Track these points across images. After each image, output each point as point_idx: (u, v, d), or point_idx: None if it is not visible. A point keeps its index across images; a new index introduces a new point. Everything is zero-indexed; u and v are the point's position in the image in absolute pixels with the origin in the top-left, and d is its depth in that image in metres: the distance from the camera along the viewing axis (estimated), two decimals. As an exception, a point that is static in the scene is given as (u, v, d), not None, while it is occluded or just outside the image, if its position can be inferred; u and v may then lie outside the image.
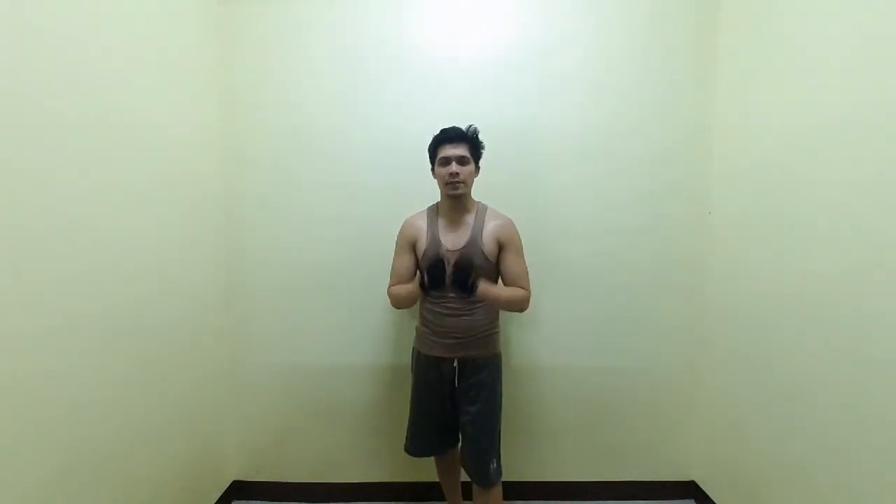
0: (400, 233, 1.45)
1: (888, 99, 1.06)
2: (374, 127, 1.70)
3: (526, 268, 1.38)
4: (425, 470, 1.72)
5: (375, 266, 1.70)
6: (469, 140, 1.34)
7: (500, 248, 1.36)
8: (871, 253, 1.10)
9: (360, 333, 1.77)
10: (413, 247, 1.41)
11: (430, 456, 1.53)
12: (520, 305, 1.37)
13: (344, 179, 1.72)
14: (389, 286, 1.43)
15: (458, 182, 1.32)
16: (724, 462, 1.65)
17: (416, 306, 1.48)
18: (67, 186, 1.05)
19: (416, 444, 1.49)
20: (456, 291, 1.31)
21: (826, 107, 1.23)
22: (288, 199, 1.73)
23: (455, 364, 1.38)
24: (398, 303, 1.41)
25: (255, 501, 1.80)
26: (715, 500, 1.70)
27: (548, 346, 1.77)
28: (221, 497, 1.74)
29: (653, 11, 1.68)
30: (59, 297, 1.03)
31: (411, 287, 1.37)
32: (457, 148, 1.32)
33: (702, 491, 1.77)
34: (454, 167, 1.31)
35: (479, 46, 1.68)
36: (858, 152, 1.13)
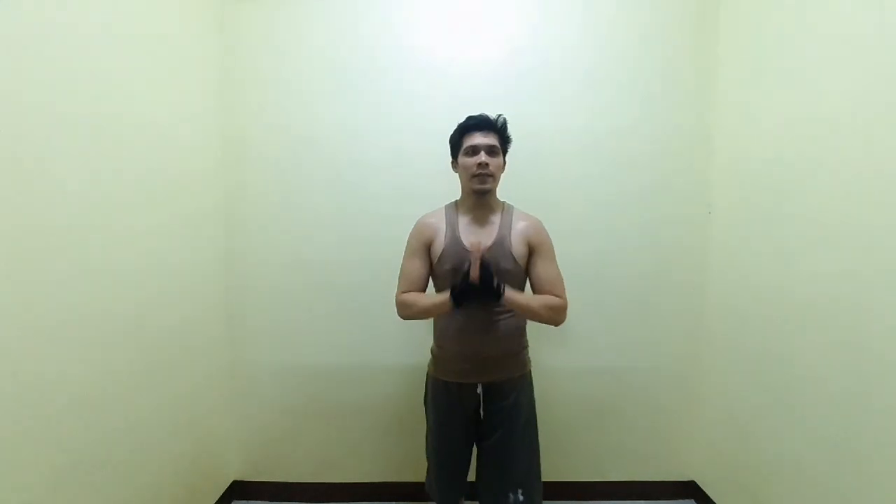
0: (412, 233, 1.26)
1: (888, 98, 1.06)
2: (374, 127, 1.70)
3: (560, 274, 1.22)
4: (426, 470, 1.72)
5: (375, 266, 1.70)
6: (498, 130, 1.20)
7: (531, 251, 1.20)
8: (871, 251, 1.10)
9: (360, 334, 1.76)
10: (427, 249, 1.22)
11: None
12: (556, 315, 1.17)
13: (344, 180, 1.72)
14: (399, 292, 1.22)
15: (487, 174, 1.16)
16: (724, 462, 1.65)
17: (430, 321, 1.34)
18: (67, 187, 1.05)
19: (444, 492, 1.27)
20: (481, 294, 1.08)
21: (826, 106, 1.23)
22: (288, 199, 1.73)
23: (479, 390, 1.19)
24: (408, 314, 1.21)
25: (255, 501, 1.80)
26: (715, 500, 1.70)
27: (547, 346, 1.77)
28: (221, 497, 1.73)
29: (654, 11, 1.69)
30: (58, 297, 1.03)
31: (427, 304, 1.16)
32: (486, 136, 1.17)
33: (702, 491, 1.77)
34: (483, 157, 1.15)
35: (480, 48, 1.68)
36: (858, 151, 1.13)
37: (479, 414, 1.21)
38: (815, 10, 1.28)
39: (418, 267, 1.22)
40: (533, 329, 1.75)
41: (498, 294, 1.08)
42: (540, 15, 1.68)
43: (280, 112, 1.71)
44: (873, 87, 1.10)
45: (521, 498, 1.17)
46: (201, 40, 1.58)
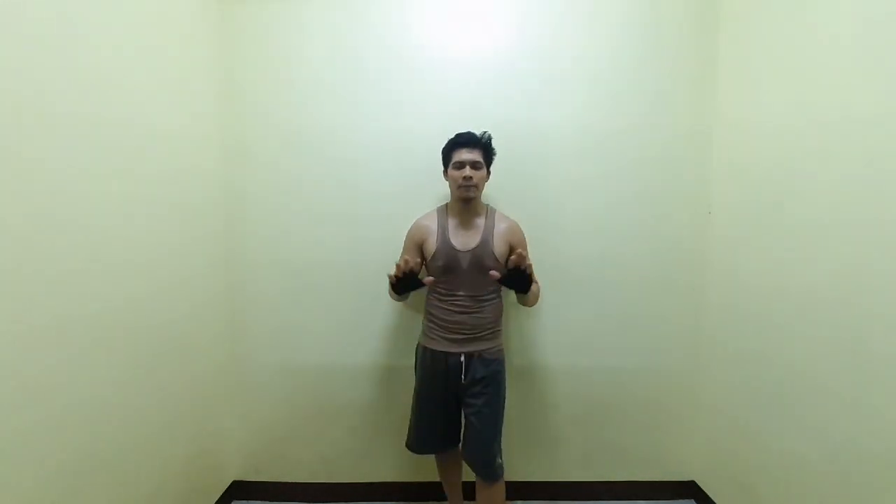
0: (408, 233, 1.48)
1: (887, 97, 1.06)
2: (374, 127, 1.70)
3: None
4: (426, 469, 1.72)
5: (375, 266, 1.70)
6: (483, 146, 1.40)
7: (511, 250, 1.41)
8: (870, 251, 1.10)
9: (359, 333, 1.76)
10: (420, 247, 1.45)
11: (431, 453, 1.54)
12: (537, 298, 1.48)
13: (344, 179, 1.72)
14: None
15: (471, 186, 1.36)
16: (724, 462, 1.65)
17: (423, 303, 1.51)
18: (66, 186, 1.05)
19: (419, 441, 1.49)
20: (514, 285, 1.32)
21: (825, 105, 1.23)
22: (288, 198, 1.73)
23: (462, 359, 1.39)
24: (392, 297, 1.47)
25: (255, 501, 1.80)
26: (715, 500, 1.70)
27: (548, 345, 1.77)
28: (221, 497, 1.73)
29: (652, 11, 1.69)
30: (57, 296, 1.03)
31: (390, 289, 1.39)
32: (471, 152, 1.37)
33: (702, 491, 1.77)
34: (468, 171, 1.35)
35: (480, 47, 1.68)
36: (858, 150, 1.14)
37: (461, 379, 1.40)
38: (814, 10, 1.28)
39: None
40: (534, 329, 1.78)
41: (529, 284, 1.32)
42: (542, 17, 1.68)
43: (281, 111, 1.71)
44: (873, 87, 1.10)
45: (499, 460, 1.38)
46: (200, 38, 1.58)
